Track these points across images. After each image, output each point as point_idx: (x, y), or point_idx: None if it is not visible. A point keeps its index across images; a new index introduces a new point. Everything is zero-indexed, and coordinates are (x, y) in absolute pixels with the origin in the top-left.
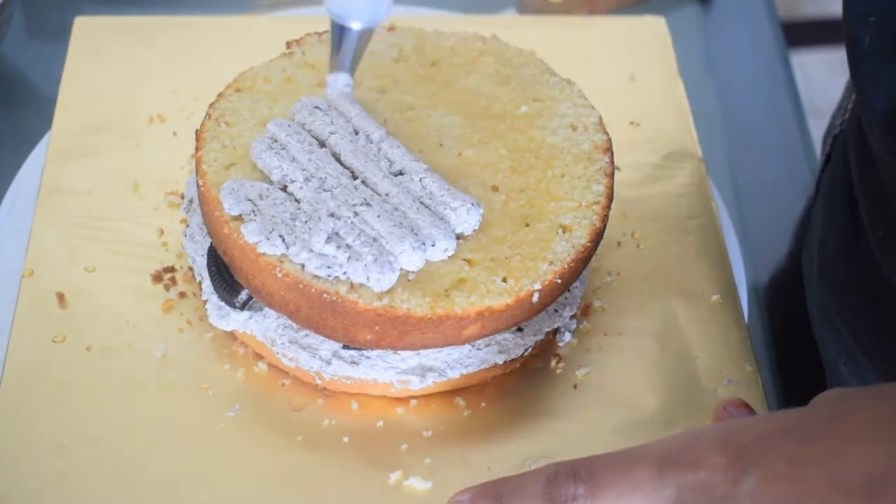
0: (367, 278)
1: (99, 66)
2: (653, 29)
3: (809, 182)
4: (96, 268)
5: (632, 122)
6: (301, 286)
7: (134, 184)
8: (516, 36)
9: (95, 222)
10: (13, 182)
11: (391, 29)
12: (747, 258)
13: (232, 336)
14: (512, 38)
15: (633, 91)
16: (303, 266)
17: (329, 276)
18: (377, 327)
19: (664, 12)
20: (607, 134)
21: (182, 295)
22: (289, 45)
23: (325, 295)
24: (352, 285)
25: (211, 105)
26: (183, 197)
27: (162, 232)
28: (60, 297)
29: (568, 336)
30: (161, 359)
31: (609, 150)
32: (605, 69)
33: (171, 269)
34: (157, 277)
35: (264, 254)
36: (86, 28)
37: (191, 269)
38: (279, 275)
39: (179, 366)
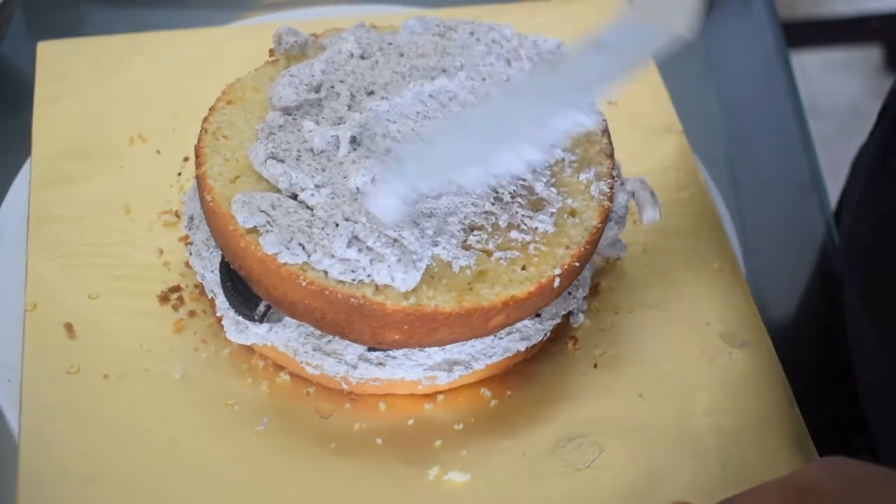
0: (392, 279)
1: (69, 90)
2: (615, 9)
3: (810, 182)
4: (100, 295)
5: (609, 102)
6: (327, 293)
7: (125, 206)
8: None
9: (92, 249)
10: None
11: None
12: (747, 258)
13: (250, 350)
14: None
15: None
16: (326, 272)
17: (354, 280)
18: (406, 326)
19: None
20: (602, 115)
21: (192, 314)
22: (272, 52)
23: (352, 300)
24: (377, 287)
25: (205, 119)
26: (177, 215)
27: (161, 252)
28: (68, 327)
29: (581, 317)
30: (181, 380)
31: (606, 130)
32: None
33: (177, 289)
34: (164, 298)
35: (286, 264)
36: (50, 53)
37: (197, 286)
38: (303, 283)
39: (201, 385)
